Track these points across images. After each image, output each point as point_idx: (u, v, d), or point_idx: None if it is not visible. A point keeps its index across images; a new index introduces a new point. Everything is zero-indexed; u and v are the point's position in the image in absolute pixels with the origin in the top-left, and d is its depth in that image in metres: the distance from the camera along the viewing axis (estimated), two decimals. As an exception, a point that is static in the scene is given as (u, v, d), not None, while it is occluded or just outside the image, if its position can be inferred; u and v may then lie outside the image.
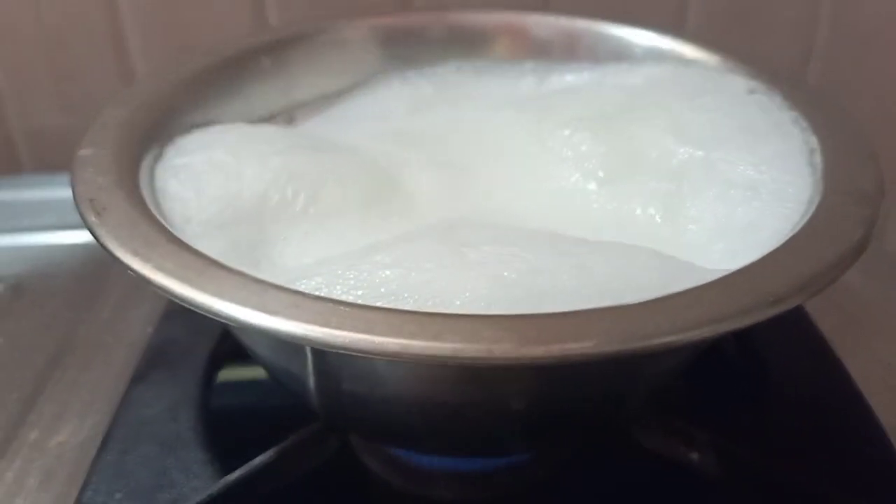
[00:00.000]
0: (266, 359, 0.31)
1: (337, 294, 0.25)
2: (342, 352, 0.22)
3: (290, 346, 0.28)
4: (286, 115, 0.40)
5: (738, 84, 0.36)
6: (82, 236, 0.53)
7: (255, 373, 0.40)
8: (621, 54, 0.40)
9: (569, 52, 0.41)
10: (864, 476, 0.33)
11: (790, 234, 0.26)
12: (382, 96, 0.42)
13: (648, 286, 0.25)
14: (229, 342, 0.41)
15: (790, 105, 0.34)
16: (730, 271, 0.24)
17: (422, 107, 0.41)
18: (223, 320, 0.23)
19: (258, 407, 0.40)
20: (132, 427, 0.37)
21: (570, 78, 0.40)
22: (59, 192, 0.57)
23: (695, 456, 0.32)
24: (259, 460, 0.32)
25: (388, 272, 0.26)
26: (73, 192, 0.28)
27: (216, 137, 0.35)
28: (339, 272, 0.26)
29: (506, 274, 0.25)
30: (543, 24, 0.42)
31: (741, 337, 0.40)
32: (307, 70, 0.41)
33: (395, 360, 0.22)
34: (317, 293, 0.24)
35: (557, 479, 0.35)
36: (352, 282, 0.26)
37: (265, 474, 0.33)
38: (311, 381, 0.29)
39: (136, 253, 0.25)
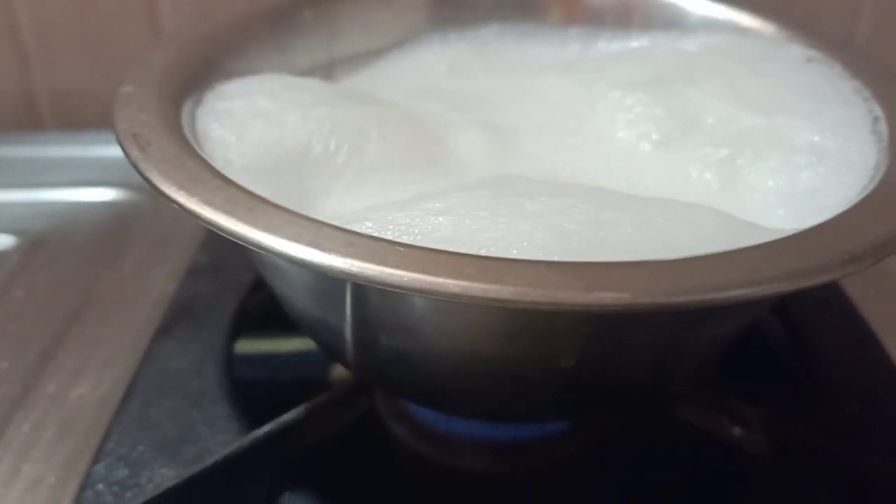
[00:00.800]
0: (300, 307, 0.30)
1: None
2: (399, 291, 0.21)
3: (330, 291, 0.27)
4: (325, 71, 0.39)
5: (796, 53, 0.35)
6: (104, 194, 0.53)
7: (281, 332, 0.39)
8: (675, 23, 0.39)
9: (622, 20, 0.40)
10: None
11: (860, 198, 0.25)
12: (423, 57, 0.41)
13: (714, 242, 0.23)
14: (256, 298, 0.40)
15: (851, 74, 0.33)
16: (800, 230, 0.23)
17: (462, 69, 0.40)
18: (274, 255, 0.22)
19: (284, 366, 0.39)
20: (156, 380, 0.36)
21: (618, 45, 0.39)
22: (80, 149, 0.56)
23: (738, 431, 0.31)
24: (288, 416, 0.32)
25: (441, 219, 0.25)
26: (116, 127, 0.27)
27: (258, 85, 0.34)
28: (390, 217, 0.25)
29: (565, 224, 0.24)
30: (596, -10, 0.41)
31: (785, 319, 0.39)
32: (348, 25, 0.40)
33: (455, 301, 0.21)
34: (369, 235, 0.23)
35: (592, 454, 0.34)
36: (403, 227, 0.25)
37: (293, 432, 0.32)
38: (348, 331, 0.28)
39: (182, 187, 0.24)
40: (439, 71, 0.40)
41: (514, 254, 0.24)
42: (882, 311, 0.41)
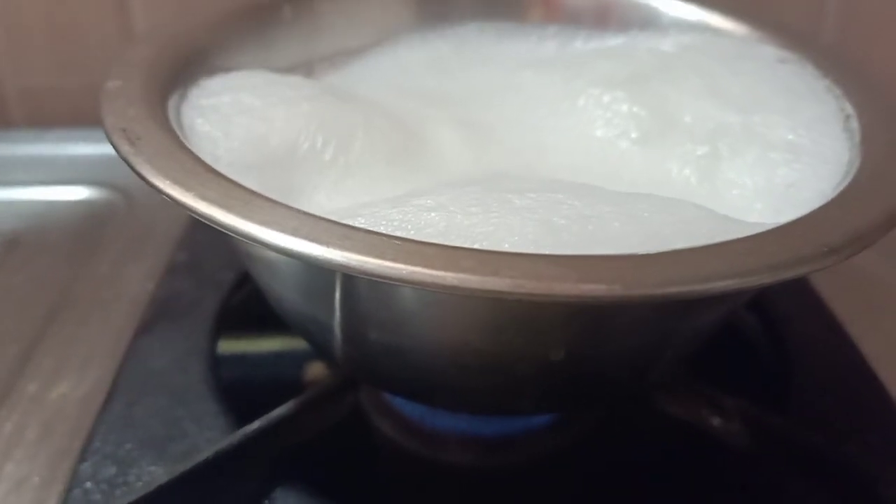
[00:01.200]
0: (289, 303, 0.30)
1: (381, 233, 0.25)
2: (398, 284, 0.21)
3: (321, 287, 0.27)
4: (306, 68, 0.39)
5: (769, 52, 0.36)
6: (77, 192, 0.52)
7: (265, 329, 0.39)
8: (650, 23, 0.40)
9: (599, 19, 0.41)
10: (879, 445, 0.34)
11: (836, 192, 0.26)
12: (402, 55, 0.41)
13: (699, 236, 0.24)
14: (238, 296, 0.40)
15: (822, 73, 0.34)
16: (779, 223, 0.24)
17: (442, 66, 0.41)
18: (272, 249, 0.22)
19: (268, 363, 0.39)
20: (139, 379, 0.36)
21: (595, 44, 0.40)
22: (51, 147, 0.56)
23: (718, 422, 0.32)
24: (277, 413, 0.32)
25: (433, 214, 0.25)
26: (104, 122, 0.27)
27: (242, 81, 0.34)
28: (382, 213, 0.26)
29: (554, 219, 0.25)
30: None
31: (761, 314, 0.40)
32: (328, 23, 0.40)
33: (452, 293, 0.21)
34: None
35: (576, 448, 0.35)
36: (396, 222, 0.25)
37: (283, 428, 0.32)
38: (338, 327, 0.28)
39: (176, 181, 0.24)
40: (418, 69, 0.40)
41: (506, 248, 0.24)
42: (848, 305, 0.42)
